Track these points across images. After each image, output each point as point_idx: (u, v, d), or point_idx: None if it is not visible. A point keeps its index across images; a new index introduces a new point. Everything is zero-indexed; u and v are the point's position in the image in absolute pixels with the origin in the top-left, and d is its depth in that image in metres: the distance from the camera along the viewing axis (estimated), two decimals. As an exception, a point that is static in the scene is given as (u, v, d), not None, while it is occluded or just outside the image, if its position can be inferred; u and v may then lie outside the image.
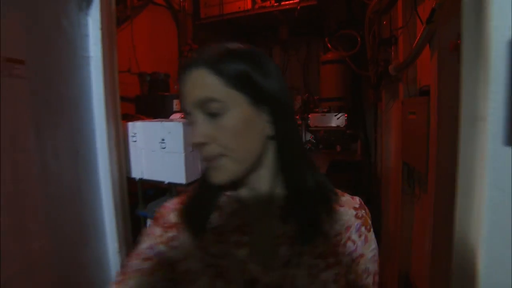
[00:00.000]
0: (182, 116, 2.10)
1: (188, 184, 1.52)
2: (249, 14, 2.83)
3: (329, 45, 2.82)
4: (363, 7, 2.59)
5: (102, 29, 1.38)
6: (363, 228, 0.56)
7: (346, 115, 2.77)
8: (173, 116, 2.03)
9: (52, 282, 1.23)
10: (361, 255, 0.55)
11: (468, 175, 0.68)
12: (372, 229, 0.58)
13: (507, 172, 0.61)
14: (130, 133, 1.62)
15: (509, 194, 0.61)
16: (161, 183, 1.58)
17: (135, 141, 1.61)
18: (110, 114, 1.39)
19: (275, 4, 2.75)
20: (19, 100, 1.11)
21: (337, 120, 2.78)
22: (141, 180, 1.62)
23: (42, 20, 1.20)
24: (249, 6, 2.81)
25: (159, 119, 1.73)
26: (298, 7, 2.70)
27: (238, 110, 0.47)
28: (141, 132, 1.59)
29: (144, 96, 2.33)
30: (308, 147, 2.92)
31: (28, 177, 1.16)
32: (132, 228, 1.57)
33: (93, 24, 1.37)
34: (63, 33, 1.27)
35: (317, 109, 2.92)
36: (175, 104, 2.21)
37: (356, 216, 0.56)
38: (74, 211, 1.32)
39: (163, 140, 1.52)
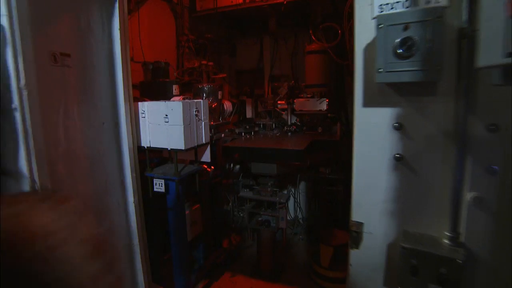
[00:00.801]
0: (181, 98, 2.70)
1: (186, 150, 2.12)
2: (240, 7, 3.39)
3: (313, 37, 3.39)
4: (345, 2, 3.14)
5: (120, 29, 1.96)
6: None
7: (327, 100, 3.35)
8: (173, 99, 2.62)
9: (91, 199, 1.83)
10: None
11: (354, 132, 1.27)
12: None
13: (365, 122, 1.21)
14: (140, 111, 2.20)
15: (367, 136, 1.20)
16: (164, 149, 2.18)
17: (144, 117, 2.20)
18: (127, 96, 1.99)
19: (264, -1, 3.30)
20: (68, 83, 1.70)
21: (319, 104, 3.36)
22: (148, 148, 2.22)
23: (79, 23, 1.77)
24: (241, 0, 3.37)
25: (162, 100, 2.31)
26: (285, 2, 3.26)
27: None
28: (149, 110, 2.18)
29: (147, 82, 2.91)
30: (293, 129, 3.50)
31: (74, 139, 1.75)
32: (142, 186, 2.17)
33: (114, 25, 1.95)
34: (94, 33, 1.85)
35: (302, 95, 3.50)
36: (175, 88, 2.80)
37: None
38: (103, 168, 1.92)
39: (166, 115, 2.11)
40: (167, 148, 2.17)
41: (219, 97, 3.25)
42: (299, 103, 3.46)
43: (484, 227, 1.06)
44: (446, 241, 1.09)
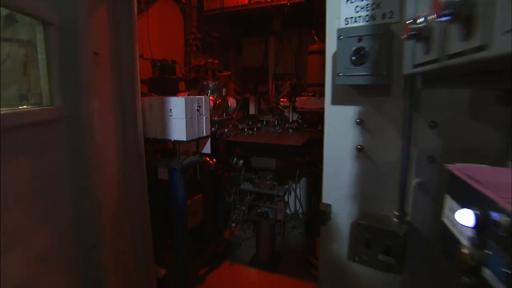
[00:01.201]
0: (186, 94, 2.99)
1: (188, 141, 2.41)
2: (246, 8, 3.66)
3: (315, 37, 3.63)
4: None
5: (133, 29, 2.26)
6: None
7: (328, 98, 3.58)
8: (179, 95, 2.92)
9: (117, 182, 2.13)
10: None
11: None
12: None
13: (333, 118, 1.46)
14: (147, 105, 2.51)
15: (335, 130, 1.45)
16: (169, 141, 2.48)
17: (151, 111, 2.51)
18: (137, 91, 2.29)
19: (269, 0, 3.57)
20: (101, 79, 1.99)
21: (320, 103, 3.60)
22: (154, 139, 2.53)
23: (104, 23, 2.06)
24: (246, 1, 3.64)
25: (168, 96, 2.61)
26: (288, 3, 3.51)
27: None
28: (155, 104, 2.49)
29: (155, 79, 3.23)
30: (294, 126, 3.76)
31: (107, 126, 2.04)
32: (147, 174, 2.47)
33: (127, 25, 2.25)
34: (112, 32, 2.15)
35: (304, 93, 3.75)
36: (180, 85, 3.10)
37: None
38: (126, 156, 2.22)
39: (171, 110, 2.41)
40: (171, 140, 2.47)
41: (223, 93, 3.54)
42: (301, 101, 3.71)
43: (426, 208, 1.30)
44: (395, 219, 1.33)
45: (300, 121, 3.85)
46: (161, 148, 2.83)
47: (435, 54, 0.75)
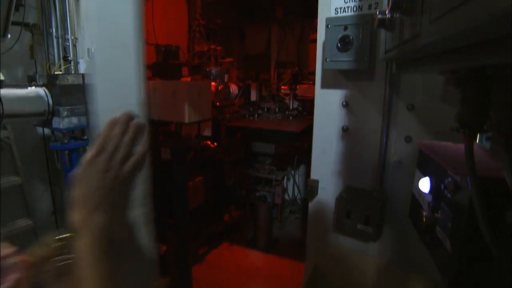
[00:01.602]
0: (189, 79, 3.15)
1: (190, 124, 2.59)
2: (249, -5, 3.80)
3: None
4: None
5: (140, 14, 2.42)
6: None
7: (328, 87, 3.73)
8: (182, 80, 3.08)
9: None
10: None
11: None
12: None
13: (322, 101, 1.61)
14: (151, 89, 2.68)
15: (323, 112, 1.61)
16: (171, 123, 2.66)
17: (155, 94, 2.68)
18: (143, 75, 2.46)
19: (272, -12, 3.70)
20: None
21: (320, 91, 3.74)
22: (157, 120, 2.70)
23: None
24: (250, -11, 3.78)
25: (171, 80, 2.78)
26: (291, -8, 3.64)
27: None
28: (159, 88, 2.66)
29: (159, 64, 3.39)
30: (294, 113, 3.91)
31: None
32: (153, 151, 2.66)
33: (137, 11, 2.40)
34: (123, 19, 2.30)
35: (305, 81, 3.90)
36: (183, 70, 3.27)
37: None
38: None
39: (174, 93, 2.58)
40: (173, 121, 2.64)
41: (226, 80, 3.70)
42: (302, 89, 3.86)
43: (402, 182, 1.47)
44: (375, 193, 1.50)
45: (300, 108, 4.00)
46: (163, 130, 3.01)
47: (396, 41, 0.90)
